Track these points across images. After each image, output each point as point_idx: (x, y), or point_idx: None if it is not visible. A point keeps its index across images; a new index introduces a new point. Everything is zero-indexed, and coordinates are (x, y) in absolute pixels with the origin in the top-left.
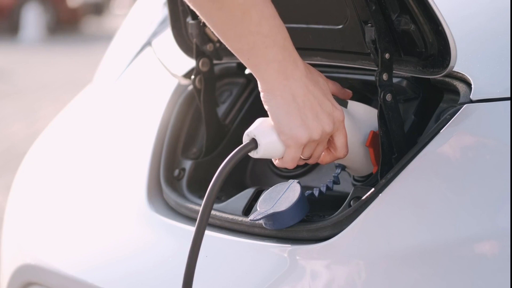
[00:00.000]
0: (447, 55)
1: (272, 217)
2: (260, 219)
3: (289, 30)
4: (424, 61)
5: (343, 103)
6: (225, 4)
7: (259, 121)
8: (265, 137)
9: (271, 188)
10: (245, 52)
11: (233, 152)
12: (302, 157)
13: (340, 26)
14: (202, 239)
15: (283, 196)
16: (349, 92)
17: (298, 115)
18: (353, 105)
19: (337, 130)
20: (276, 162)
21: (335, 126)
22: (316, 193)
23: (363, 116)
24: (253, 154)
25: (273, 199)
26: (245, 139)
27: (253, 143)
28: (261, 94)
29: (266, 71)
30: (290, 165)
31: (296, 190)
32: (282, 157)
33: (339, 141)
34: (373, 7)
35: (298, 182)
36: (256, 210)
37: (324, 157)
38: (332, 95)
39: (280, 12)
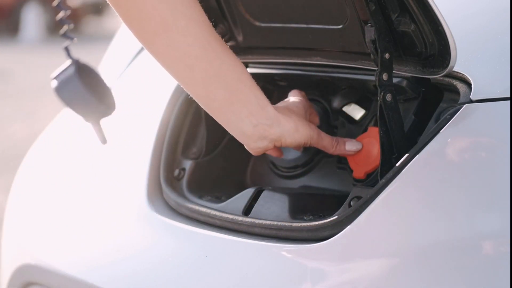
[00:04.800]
0: (447, 55)
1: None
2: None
3: (289, 30)
4: (424, 61)
5: None
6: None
7: None
8: None
9: None
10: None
11: None
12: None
13: (340, 26)
14: None
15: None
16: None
17: None
18: None
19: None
20: None
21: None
22: None
23: None
24: None
25: None
26: None
27: None
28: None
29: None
30: None
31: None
32: None
33: None
34: (373, 7)
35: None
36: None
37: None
38: None
39: (281, 12)
